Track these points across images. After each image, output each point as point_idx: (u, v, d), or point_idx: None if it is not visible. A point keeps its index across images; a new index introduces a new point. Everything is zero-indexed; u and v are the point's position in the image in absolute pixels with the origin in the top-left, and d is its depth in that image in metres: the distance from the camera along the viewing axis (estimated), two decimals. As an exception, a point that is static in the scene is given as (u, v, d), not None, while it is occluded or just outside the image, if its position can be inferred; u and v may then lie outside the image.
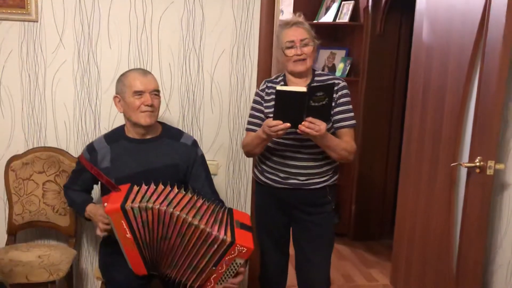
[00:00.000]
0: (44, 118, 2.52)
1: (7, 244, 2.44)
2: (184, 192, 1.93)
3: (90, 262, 2.66)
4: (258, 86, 2.65)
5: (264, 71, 2.64)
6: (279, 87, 1.90)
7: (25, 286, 2.11)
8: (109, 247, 2.07)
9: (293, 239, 2.28)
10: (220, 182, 2.70)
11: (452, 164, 2.27)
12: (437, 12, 2.62)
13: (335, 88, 2.09)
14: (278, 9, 5.08)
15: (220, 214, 1.94)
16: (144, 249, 1.88)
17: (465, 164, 2.16)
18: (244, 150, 2.24)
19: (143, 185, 1.93)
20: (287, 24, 2.10)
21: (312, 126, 1.89)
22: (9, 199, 2.44)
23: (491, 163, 2.04)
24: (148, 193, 1.88)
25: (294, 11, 4.24)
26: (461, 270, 2.27)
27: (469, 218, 2.20)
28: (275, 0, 2.66)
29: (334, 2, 4.08)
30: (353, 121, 2.12)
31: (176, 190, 1.93)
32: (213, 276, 1.89)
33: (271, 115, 2.00)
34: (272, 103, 2.05)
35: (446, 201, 2.41)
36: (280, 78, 2.20)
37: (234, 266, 1.88)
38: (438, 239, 2.50)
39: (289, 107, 1.88)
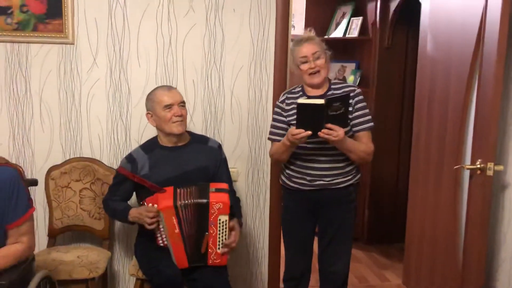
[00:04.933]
0: (79, 131, 2.76)
1: (48, 246, 2.67)
2: (194, 186, 2.24)
3: (122, 263, 2.87)
4: (274, 98, 2.87)
5: (279, 85, 2.86)
6: (299, 100, 2.13)
7: (68, 282, 2.34)
8: (149, 245, 2.30)
9: (319, 233, 2.48)
10: (240, 188, 2.91)
11: (455, 167, 2.46)
12: (439, 26, 2.83)
13: (352, 94, 2.31)
14: (291, 26, 5.32)
15: (201, 189, 2.24)
16: (186, 242, 2.18)
17: (467, 166, 2.35)
18: (272, 158, 2.46)
19: (181, 187, 2.22)
20: (299, 42, 2.32)
21: (331, 132, 2.11)
22: (49, 205, 2.68)
23: (490, 164, 2.23)
24: (185, 193, 2.19)
25: (306, 27, 4.48)
26: (466, 266, 2.44)
27: (472, 216, 2.37)
28: (289, 20, 2.90)
29: (343, 18, 4.31)
30: (371, 124, 2.33)
31: (193, 187, 2.23)
32: (210, 241, 2.19)
33: (294, 123, 2.23)
34: (293, 111, 2.29)
35: (451, 201, 2.59)
36: (298, 89, 2.41)
37: (222, 226, 2.18)
38: (445, 238, 2.67)
39: (309, 117, 2.10)
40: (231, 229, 2.23)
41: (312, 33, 2.38)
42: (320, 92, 2.34)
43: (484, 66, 2.28)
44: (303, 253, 2.49)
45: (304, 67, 2.29)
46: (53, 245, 2.68)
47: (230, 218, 2.22)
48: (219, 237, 2.19)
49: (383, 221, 4.26)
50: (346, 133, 2.26)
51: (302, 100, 2.15)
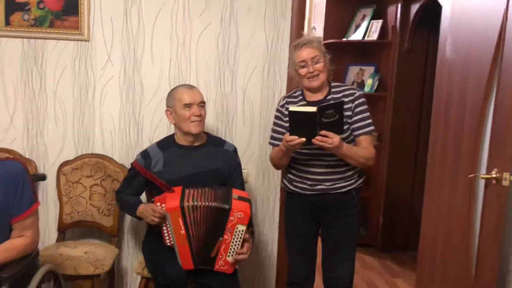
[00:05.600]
0: (92, 127, 2.78)
1: (57, 241, 2.70)
2: (209, 188, 2.22)
3: (130, 260, 2.88)
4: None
5: (293, 87, 2.82)
6: (291, 108, 2.10)
7: (73, 278, 2.36)
8: (157, 244, 2.30)
9: (321, 240, 2.45)
10: (250, 190, 2.89)
11: (469, 176, 2.38)
12: (459, 30, 2.75)
13: (351, 98, 2.27)
14: (310, 28, 5.29)
15: (225, 194, 2.21)
16: (193, 244, 2.16)
17: (482, 175, 2.27)
18: (272, 163, 2.43)
19: (191, 188, 2.20)
20: (298, 46, 2.28)
21: (325, 139, 2.08)
22: (60, 200, 2.71)
23: (506, 174, 2.14)
24: (195, 195, 2.17)
25: (325, 29, 4.44)
26: (479, 278, 2.36)
27: (486, 227, 2.30)
28: (304, 21, 2.86)
29: (363, 21, 4.24)
30: (371, 128, 2.29)
31: (206, 189, 2.20)
32: (222, 247, 2.15)
33: None
34: None
35: (465, 211, 2.52)
36: (298, 93, 2.38)
37: (238, 234, 2.14)
38: (458, 248, 2.60)
39: (302, 124, 2.07)
40: (245, 240, 2.20)
41: (311, 37, 2.35)
42: (319, 96, 2.31)
43: (503, 72, 2.20)
44: (306, 257, 2.46)
45: (303, 71, 2.25)
46: (63, 240, 2.71)
47: (247, 229, 2.19)
48: (231, 245, 2.17)
49: (398, 228, 4.19)
50: (345, 138, 2.23)
51: (293, 108, 2.11)
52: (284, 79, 2.83)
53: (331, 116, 2.04)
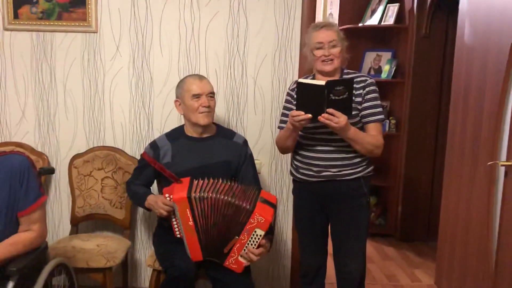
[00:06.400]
0: (102, 119, 2.77)
1: (70, 233, 2.71)
2: (225, 182, 2.16)
3: (143, 252, 2.88)
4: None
5: (305, 75, 2.75)
6: (300, 80, 2.06)
7: (85, 270, 2.36)
8: (167, 237, 2.28)
9: (330, 231, 2.39)
10: (263, 180, 2.84)
11: (489, 163, 2.29)
12: (478, 12, 2.64)
13: (363, 85, 2.21)
14: (326, 14, 5.17)
15: (249, 193, 2.14)
16: (201, 235, 2.11)
17: (502, 162, 2.18)
18: (278, 146, 2.38)
19: (199, 178, 2.15)
20: (317, 26, 2.23)
21: (332, 118, 2.02)
22: (72, 193, 2.71)
23: (527, 162, 2.05)
24: (203, 185, 2.12)
25: (340, 14, 4.33)
26: (500, 268, 2.28)
27: (506, 216, 2.21)
28: (316, 7, 2.78)
29: (379, 5, 4.12)
30: (380, 116, 2.22)
31: (220, 181, 2.15)
32: (237, 246, 2.10)
33: None
34: None
35: (485, 200, 2.43)
36: (310, 78, 2.33)
37: (255, 237, 2.07)
38: (478, 238, 2.51)
39: (309, 99, 2.02)
40: (260, 245, 2.13)
41: (332, 21, 2.29)
42: None
43: (523, 54, 2.09)
44: (316, 249, 2.41)
45: (318, 53, 2.20)
46: (76, 233, 2.72)
47: (265, 235, 2.11)
48: (246, 246, 2.12)
49: (418, 218, 4.09)
50: (355, 124, 2.17)
51: (302, 80, 2.07)
52: (295, 67, 2.76)
53: (340, 93, 1.98)
